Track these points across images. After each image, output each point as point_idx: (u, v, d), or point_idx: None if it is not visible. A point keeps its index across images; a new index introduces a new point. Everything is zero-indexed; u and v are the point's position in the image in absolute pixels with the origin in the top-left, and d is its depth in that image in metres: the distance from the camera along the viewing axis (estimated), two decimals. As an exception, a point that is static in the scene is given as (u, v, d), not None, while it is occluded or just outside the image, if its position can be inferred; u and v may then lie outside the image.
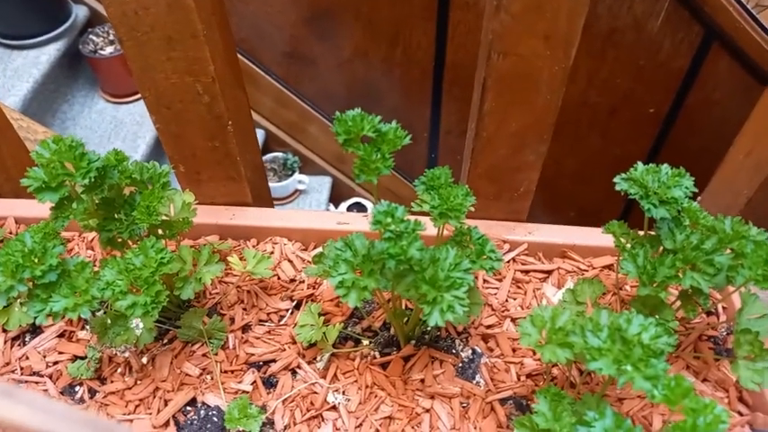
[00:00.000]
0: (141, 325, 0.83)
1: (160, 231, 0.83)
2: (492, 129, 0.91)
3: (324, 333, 0.88)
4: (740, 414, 0.86)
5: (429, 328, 0.93)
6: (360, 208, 2.96)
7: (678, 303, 0.81)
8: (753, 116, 1.00)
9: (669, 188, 0.73)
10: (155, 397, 0.87)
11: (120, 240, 0.79)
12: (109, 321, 0.82)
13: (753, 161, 0.98)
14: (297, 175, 2.81)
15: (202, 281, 0.82)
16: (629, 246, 0.79)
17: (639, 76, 2.23)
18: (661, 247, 0.77)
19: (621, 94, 2.32)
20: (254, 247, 1.06)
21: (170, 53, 0.84)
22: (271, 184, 2.82)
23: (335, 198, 2.99)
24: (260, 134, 2.81)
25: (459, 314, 0.65)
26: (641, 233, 0.82)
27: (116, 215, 0.78)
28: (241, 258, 0.94)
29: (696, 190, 0.74)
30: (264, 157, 2.87)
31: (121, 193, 0.79)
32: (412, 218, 0.67)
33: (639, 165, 0.76)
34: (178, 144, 0.98)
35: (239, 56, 2.71)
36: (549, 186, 2.64)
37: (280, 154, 2.85)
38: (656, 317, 0.77)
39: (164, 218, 0.89)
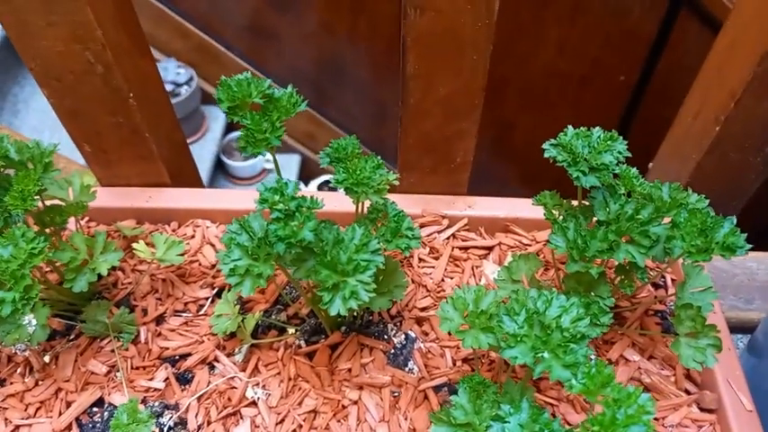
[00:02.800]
0: (34, 321, 0.75)
1: (48, 218, 0.75)
2: (418, 95, 0.84)
3: (241, 323, 0.81)
4: (687, 393, 0.81)
5: (359, 313, 0.86)
6: (331, 186, 2.88)
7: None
8: (700, 76, 0.94)
9: (600, 153, 0.66)
10: (57, 398, 0.80)
11: (-8, 230, 0.71)
12: (-4, 319, 0.74)
13: (701, 123, 0.92)
14: (268, 157, 2.72)
15: (97, 271, 0.74)
16: (560, 218, 0.72)
17: (609, 44, 2.17)
18: (594, 219, 0.70)
19: (591, 63, 2.25)
20: (173, 231, 0.98)
21: (49, 17, 0.75)
22: (236, 164, 2.73)
23: (305, 176, 2.91)
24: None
25: (363, 300, 0.58)
26: (575, 204, 0.75)
27: (-10, 202, 0.69)
28: (150, 245, 0.86)
29: (629, 154, 0.67)
30: (229, 136, 2.78)
31: (-4, 177, 0.71)
32: (311, 194, 0.59)
33: (569, 129, 0.69)
34: (78, 121, 0.89)
35: (197, 31, 2.60)
36: (520, 158, 2.59)
37: (243, 132, 2.74)
38: (592, 294, 0.71)
39: (57, 202, 0.81)
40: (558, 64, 2.28)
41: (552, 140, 0.69)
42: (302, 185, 2.89)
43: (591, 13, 2.10)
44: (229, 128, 2.77)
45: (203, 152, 2.68)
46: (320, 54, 2.54)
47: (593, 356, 0.78)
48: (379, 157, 0.66)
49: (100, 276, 0.85)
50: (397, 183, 0.71)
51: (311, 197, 0.57)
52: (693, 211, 0.61)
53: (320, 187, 2.79)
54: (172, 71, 2.54)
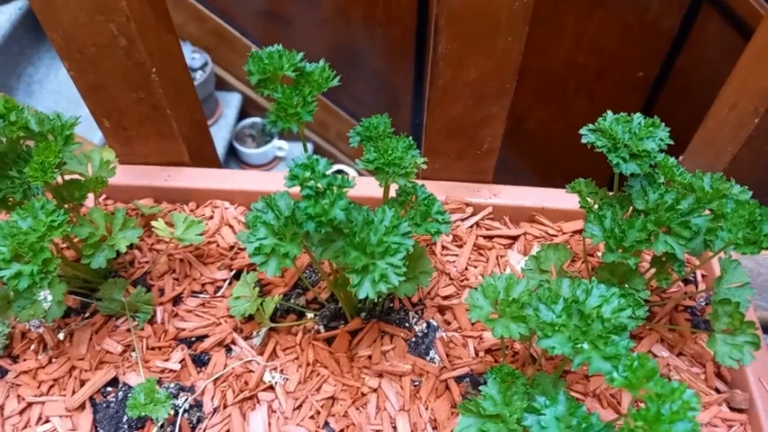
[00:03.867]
0: (50, 297, 0.74)
1: (67, 192, 0.73)
2: (448, 76, 0.81)
3: (260, 305, 0.79)
4: (717, 391, 0.78)
5: (380, 300, 0.84)
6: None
7: (652, 271, 0.73)
8: (738, 67, 0.90)
9: (641, 140, 0.64)
10: (70, 376, 0.78)
11: (11, 202, 0.69)
12: (12, 294, 0.72)
13: (737, 115, 0.89)
14: (276, 141, 2.69)
15: (116, 248, 0.73)
16: (596, 207, 0.70)
17: (627, 38, 2.13)
18: (632, 208, 0.68)
19: (609, 56, 2.21)
20: (191, 211, 0.96)
21: (73, -14, 0.73)
22: (248, 151, 2.71)
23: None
24: (237, 99, 2.69)
25: (393, 284, 0.56)
26: (611, 193, 0.72)
27: (9, 172, 0.67)
28: (169, 223, 0.84)
29: (671, 142, 0.65)
30: (242, 123, 2.76)
31: (15, 147, 0.69)
32: (345, 172, 0.57)
33: (609, 113, 0.66)
34: (99, 96, 0.87)
35: (213, 15, 2.57)
36: (536, 152, 2.55)
37: (258, 119, 2.73)
38: (626, 286, 0.68)
39: (77, 177, 0.79)
40: (576, 56, 2.24)
41: (591, 125, 0.66)
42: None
43: (609, 5, 2.06)
44: (242, 114, 2.75)
45: (216, 138, 2.66)
46: (334, 41, 2.51)
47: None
48: (410, 138, 0.64)
49: (118, 254, 0.84)
50: (424, 166, 0.69)
51: (342, 176, 0.55)
52: (741, 203, 0.59)
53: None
54: (187, 55, 2.51)
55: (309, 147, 2.83)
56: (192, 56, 2.54)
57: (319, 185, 0.54)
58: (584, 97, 2.37)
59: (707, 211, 0.66)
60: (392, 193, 0.71)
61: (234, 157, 2.84)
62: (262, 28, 2.55)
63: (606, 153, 0.64)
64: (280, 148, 2.73)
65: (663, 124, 0.65)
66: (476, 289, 0.63)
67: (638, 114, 0.66)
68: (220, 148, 2.66)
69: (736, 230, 0.57)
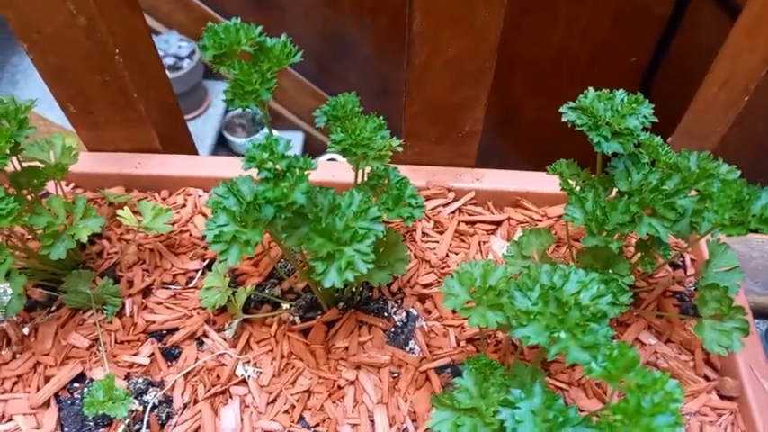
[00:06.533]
0: (10, 290, 0.70)
1: (24, 180, 0.69)
2: (425, 54, 0.77)
3: (232, 296, 0.76)
4: (707, 379, 0.76)
5: (358, 289, 0.81)
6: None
7: (638, 256, 0.70)
8: (728, 43, 0.87)
9: (623, 117, 0.60)
10: (35, 372, 0.75)
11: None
12: (-32, 288, 0.69)
13: (727, 93, 0.86)
14: (266, 131, 2.66)
15: (76, 237, 0.69)
16: (578, 189, 0.67)
17: (620, 23, 2.09)
18: (615, 190, 0.65)
19: (602, 43, 2.18)
20: (163, 199, 0.92)
21: (25, -39, 0.69)
22: (238, 140, 2.68)
23: (309, 154, 2.84)
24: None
25: (361, 271, 0.53)
26: (594, 175, 0.69)
27: (-41, 160, 0.64)
28: (136, 212, 0.81)
29: (656, 119, 0.61)
30: (232, 112, 2.71)
31: (-34, 134, 0.65)
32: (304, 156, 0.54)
33: (590, 90, 0.63)
34: (61, 79, 0.83)
35: (199, 3, 2.53)
36: (530, 140, 2.52)
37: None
38: (609, 271, 0.65)
39: (37, 164, 0.76)
40: (568, 43, 2.21)
41: (571, 103, 0.63)
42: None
43: (601, -9, 2.02)
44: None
45: (205, 127, 2.62)
46: (324, 27, 2.47)
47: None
48: (381, 118, 0.60)
49: (83, 245, 0.80)
50: (400, 149, 0.65)
51: (304, 157, 0.52)
52: (727, 182, 0.56)
53: (323, 165, 2.72)
54: (174, 44, 2.47)
55: (300, 136, 2.79)
56: (180, 44, 2.49)
57: (278, 167, 0.50)
58: (578, 85, 2.34)
59: (693, 192, 0.63)
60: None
61: (224, 147, 2.80)
62: (250, 15, 2.50)
63: (587, 131, 0.61)
64: (270, 137, 2.69)
65: (647, 101, 0.62)
66: (451, 276, 0.60)
67: (620, 91, 0.63)
68: (210, 138, 2.62)
69: (722, 211, 0.54)
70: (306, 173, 0.51)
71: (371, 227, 0.55)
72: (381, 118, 0.60)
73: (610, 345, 0.47)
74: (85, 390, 0.73)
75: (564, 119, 0.63)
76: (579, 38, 2.15)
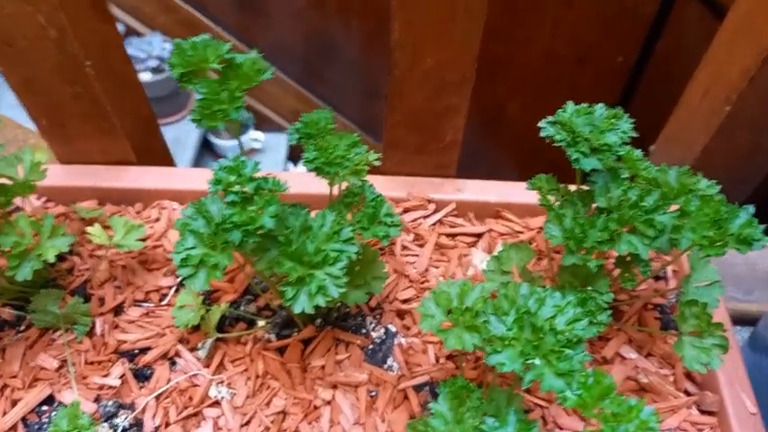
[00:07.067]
0: (-25, 312, 0.68)
1: (-10, 198, 0.67)
2: (405, 65, 0.76)
3: (205, 314, 0.74)
4: (687, 394, 0.75)
5: (336, 305, 0.79)
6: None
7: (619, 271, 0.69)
8: (709, 53, 0.86)
9: (603, 133, 0.59)
10: (2, 396, 0.73)
11: None
12: (-70, 310, 0.67)
13: (709, 103, 0.85)
14: (252, 133, 2.62)
15: (43, 257, 0.67)
16: (557, 204, 0.66)
17: (606, 24, 2.09)
18: (594, 206, 0.64)
19: (588, 44, 2.18)
20: (137, 213, 0.90)
21: (-11, -28, 0.66)
22: (222, 143, 2.65)
23: (295, 157, 2.82)
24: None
25: (332, 296, 0.52)
26: (574, 189, 0.68)
27: None
28: (108, 228, 0.79)
29: (635, 134, 0.60)
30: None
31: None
32: (274, 175, 0.52)
33: (569, 104, 0.62)
34: (32, 91, 0.81)
35: (183, 4, 2.50)
36: (517, 142, 2.51)
37: (230, 110, 2.66)
38: (589, 288, 0.64)
39: (5, 181, 0.73)
40: (554, 45, 2.20)
41: (550, 117, 0.62)
42: (291, 166, 2.80)
43: (587, -9, 2.02)
44: (216, 106, 2.67)
45: (189, 131, 2.59)
46: (309, 29, 2.45)
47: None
48: (356, 135, 0.59)
49: (52, 264, 0.78)
50: (378, 163, 0.64)
51: (273, 178, 0.50)
52: (706, 199, 0.55)
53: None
54: (157, 46, 2.44)
55: (284, 138, 2.77)
56: (163, 46, 2.46)
57: (246, 190, 0.49)
58: (564, 86, 2.34)
59: (673, 207, 0.62)
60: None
61: (209, 151, 2.77)
62: (234, 17, 2.48)
63: (565, 148, 0.60)
64: (255, 139, 2.66)
65: (626, 115, 0.61)
66: (428, 296, 0.59)
67: (600, 105, 0.62)
68: (193, 141, 2.59)
69: (700, 230, 0.53)
70: (275, 195, 0.50)
71: (344, 248, 0.53)
72: (356, 135, 0.59)
73: (585, 372, 0.45)
74: (53, 413, 0.71)
75: (543, 134, 0.62)
76: (565, 39, 2.15)
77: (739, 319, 1.19)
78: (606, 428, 0.43)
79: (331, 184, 0.65)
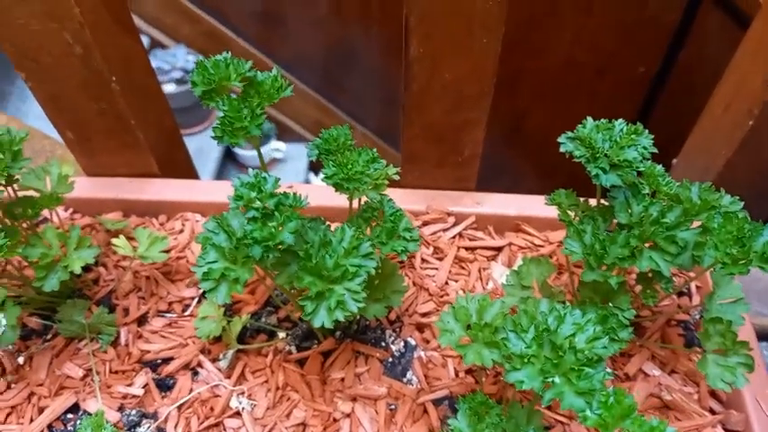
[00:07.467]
0: (4, 321, 0.70)
1: (19, 210, 0.69)
2: (423, 79, 0.77)
3: (226, 326, 0.75)
4: (712, 412, 0.73)
5: (356, 317, 0.80)
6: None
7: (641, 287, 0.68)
8: (732, 64, 0.85)
9: (622, 149, 0.59)
10: (29, 403, 0.74)
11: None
12: (-39, 319, 0.69)
13: (731, 116, 0.84)
14: (273, 143, 2.65)
15: (70, 268, 0.69)
16: (577, 220, 0.65)
17: (628, 33, 2.08)
18: (615, 221, 0.63)
19: (608, 53, 2.16)
20: (161, 225, 0.92)
21: (20, -8, 0.69)
22: (244, 152, 2.68)
23: (317, 167, 2.84)
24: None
25: (352, 311, 0.52)
26: (594, 203, 0.68)
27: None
28: (132, 239, 0.80)
29: (655, 150, 0.60)
30: (238, 125, 2.71)
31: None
32: (295, 190, 0.53)
33: (588, 120, 0.62)
34: (58, 106, 0.83)
35: (205, 16, 2.54)
36: (534, 153, 2.50)
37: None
38: (609, 305, 0.63)
39: (33, 193, 0.75)
40: (575, 54, 2.19)
41: (569, 133, 0.61)
42: (312, 176, 2.82)
43: (609, 0, 2.01)
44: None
45: (213, 141, 2.62)
46: (330, 39, 2.47)
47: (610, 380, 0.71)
48: (374, 150, 0.59)
49: (78, 274, 0.80)
50: (397, 177, 0.64)
51: (294, 194, 0.51)
52: (729, 216, 0.54)
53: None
54: (181, 58, 2.48)
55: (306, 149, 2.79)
56: (187, 58, 2.51)
57: (267, 206, 0.49)
58: (585, 96, 2.32)
59: (696, 224, 0.61)
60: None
61: (232, 160, 2.80)
62: (256, 29, 2.52)
63: (584, 164, 0.59)
64: (277, 149, 2.69)
65: (646, 131, 0.60)
66: (447, 311, 0.59)
67: (620, 121, 0.62)
68: (216, 151, 2.63)
69: (723, 248, 0.53)
70: (295, 211, 0.50)
71: (363, 263, 0.54)
72: (374, 150, 0.59)
73: (605, 391, 0.45)
74: (79, 421, 0.72)
75: (562, 149, 0.62)
76: (586, 48, 2.14)
77: (765, 335, 1.16)
78: (627, 449, 0.42)
79: (350, 200, 0.66)
